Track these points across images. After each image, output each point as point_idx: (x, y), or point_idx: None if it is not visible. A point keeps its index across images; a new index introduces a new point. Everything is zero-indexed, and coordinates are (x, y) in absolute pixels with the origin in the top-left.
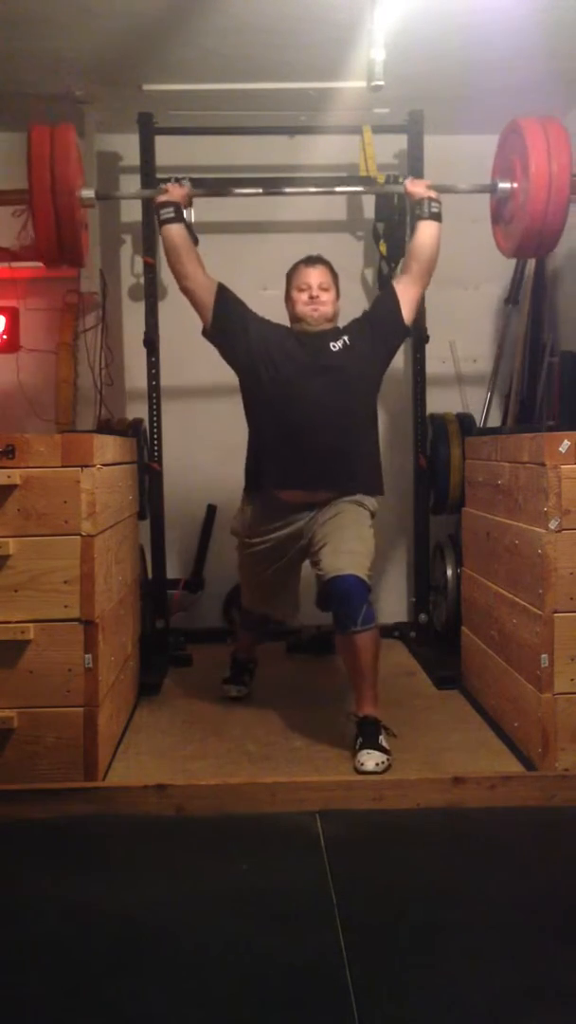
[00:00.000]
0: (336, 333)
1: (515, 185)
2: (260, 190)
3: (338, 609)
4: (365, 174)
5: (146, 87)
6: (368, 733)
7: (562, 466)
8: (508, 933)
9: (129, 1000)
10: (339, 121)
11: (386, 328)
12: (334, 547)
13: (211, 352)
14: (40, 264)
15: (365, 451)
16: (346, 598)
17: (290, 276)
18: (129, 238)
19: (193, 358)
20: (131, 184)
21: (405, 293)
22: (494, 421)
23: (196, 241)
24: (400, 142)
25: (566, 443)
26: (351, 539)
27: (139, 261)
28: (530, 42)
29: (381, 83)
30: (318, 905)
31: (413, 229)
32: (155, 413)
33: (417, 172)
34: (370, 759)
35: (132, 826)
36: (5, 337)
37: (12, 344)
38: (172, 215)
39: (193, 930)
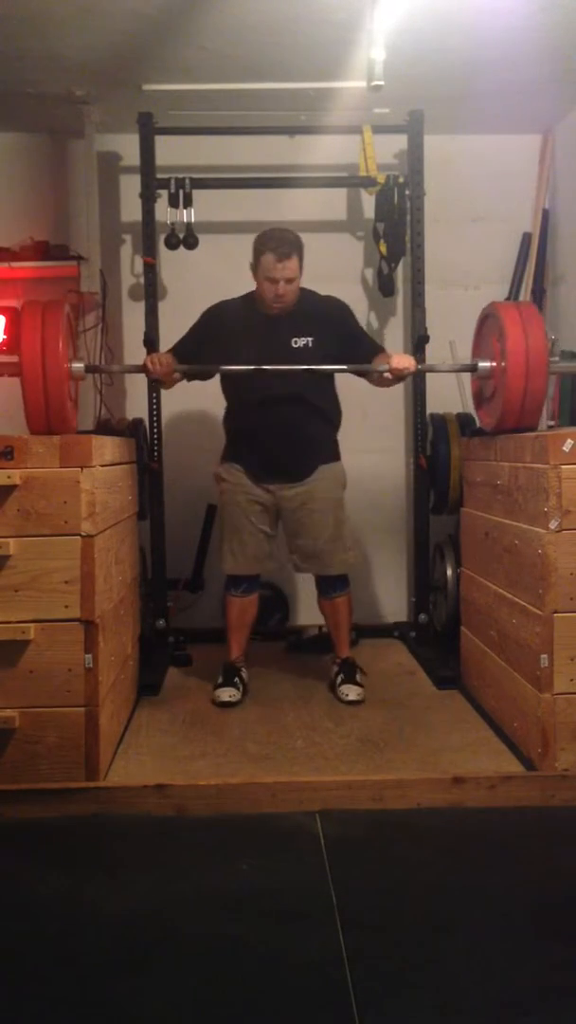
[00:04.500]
0: (300, 323)
1: (494, 364)
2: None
3: (324, 584)
4: (365, 174)
5: (146, 87)
6: (348, 671)
7: (563, 466)
8: (508, 933)
9: (129, 1000)
10: (339, 121)
11: (344, 359)
12: (325, 550)
13: None
14: (40, 264)
15: (323, 438)
16: (331, 579)
17: (260, 258)
18: (129, 238)
19: None
20: (131, 184)
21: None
22: None
23: (207, 375)
24: (400, 142)
25: (570, 442)
26: (337, 539)
27: (139, 261)
28: (530, 42)
29: (381, 83)
30: (318, 905)
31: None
32: (155, 413)
33: (417, 172)
34: (352, 691)
35: (132, 826)
36: (5, 337)
37: (12, 344)
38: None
39: (193, 930)
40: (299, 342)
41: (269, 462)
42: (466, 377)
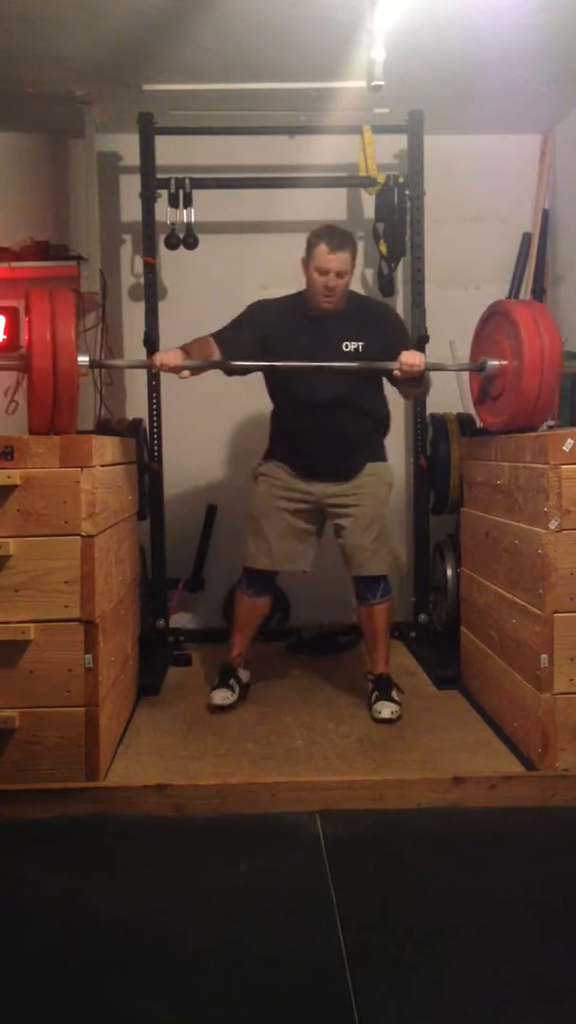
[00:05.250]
0: (349, 326)
1: (504, 362)
2: None
3: (362, 587)
4: (365, 174)
5: (146, 87)
6: (383, 688)
7: (563, 466)
8: (508, 933)
9: (129, 1000)
10: (339, 121)
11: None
12: (365, 548)
13: None
14: (40, 264)
15: (369, 438)
16: (370, 581)
17: (312, 249)
18: (129, 238)
19: None
20: (131, 184)
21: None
22: None
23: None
24: (400, 142)
25: (570, 442)
26: (378, 538)
27: (139, 261)
28: (530, 42)
29: (381, 83)
30: (318, 905)
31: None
32: (155, 413)
33: (417, 172)
34: (385, 708)
35: (132, 826)
36: (5, 337)
37: (12, 344)
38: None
39: (193, 930)
40: (350, 346)
41: (314, 463)
42: (465, 377)
